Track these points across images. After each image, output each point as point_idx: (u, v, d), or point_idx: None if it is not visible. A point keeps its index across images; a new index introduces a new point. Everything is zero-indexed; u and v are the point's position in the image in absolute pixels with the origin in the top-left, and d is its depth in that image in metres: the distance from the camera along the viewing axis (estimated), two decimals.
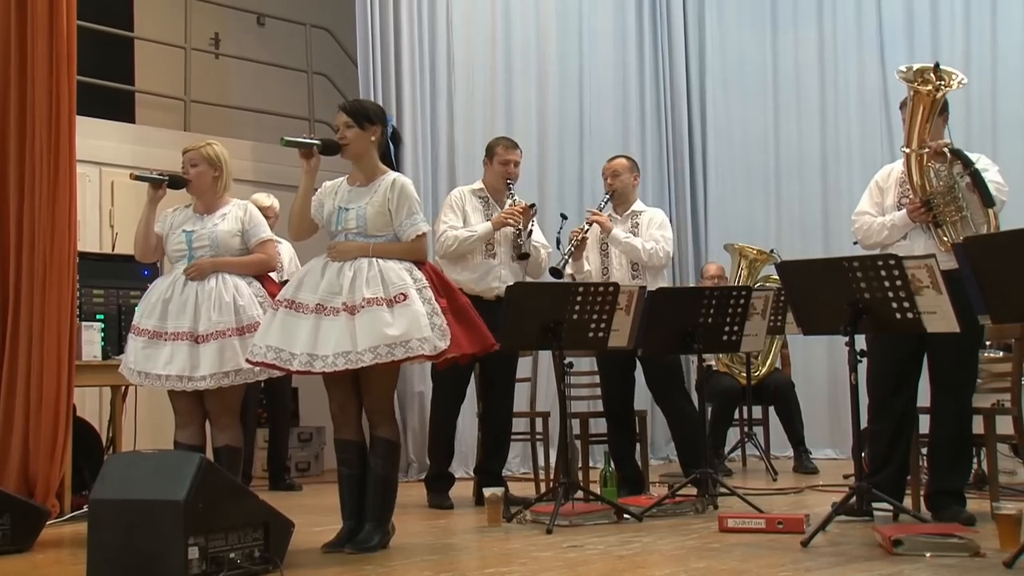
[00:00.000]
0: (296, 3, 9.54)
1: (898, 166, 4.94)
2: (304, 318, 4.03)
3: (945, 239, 4.63)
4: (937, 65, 4.76)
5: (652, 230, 5.90)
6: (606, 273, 5.87)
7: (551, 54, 8.39)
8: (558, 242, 5.96)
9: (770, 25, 9.23)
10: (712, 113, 9.12)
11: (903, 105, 4.91)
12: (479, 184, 5.90)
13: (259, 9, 9.53)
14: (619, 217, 5.95)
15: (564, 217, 6.14)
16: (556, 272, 5.81)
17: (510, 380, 5.79)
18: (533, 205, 5.78)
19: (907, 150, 4.75)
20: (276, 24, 9.55)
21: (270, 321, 4.13)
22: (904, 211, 4.75)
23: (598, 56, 8.66)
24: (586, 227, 5.86)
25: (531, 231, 5.69)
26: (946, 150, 4.67)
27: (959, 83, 4.73)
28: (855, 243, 5.01)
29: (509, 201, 5.75)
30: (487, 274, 5.65)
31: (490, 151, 5.89)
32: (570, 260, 5.81)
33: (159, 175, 4.61)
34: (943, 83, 4.70)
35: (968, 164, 4.67)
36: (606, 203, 5.95)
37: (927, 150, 4.69)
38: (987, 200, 4.63)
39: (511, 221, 5.64)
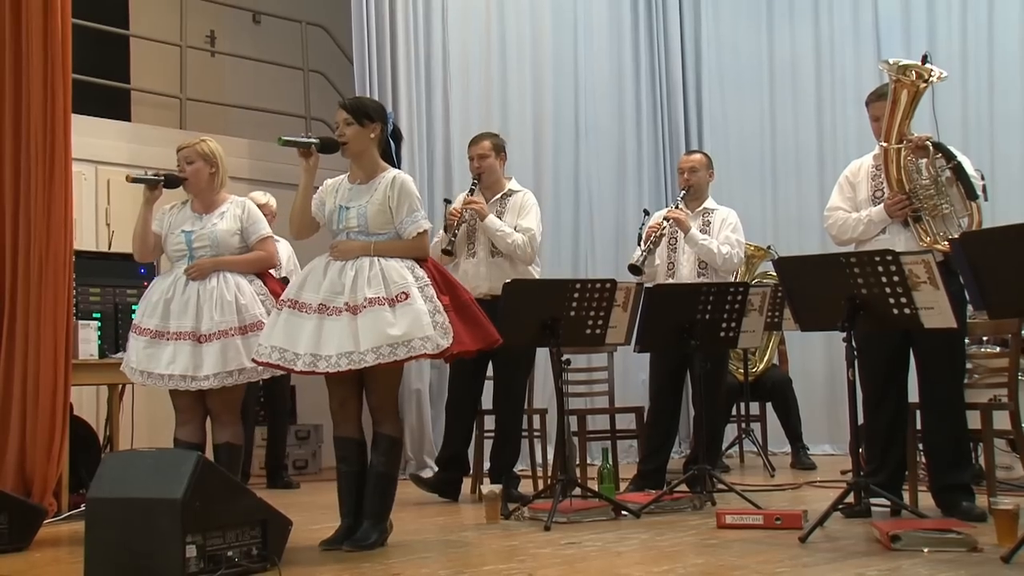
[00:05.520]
0: (292, 0, 9.52)
1: (867, 160, 4.92)
2: (307, 318, 4.03)
3: (925, 236, 4.63)
4: (925, 57, 4.75)
5: (727, 232, 5.86)
6: (672, 268, 5.86)
7: (546, 50, 8.38)
8: (639, 238, 5.96)
9: (766, 19, 9.21)
10: (708, 108, 9.10)
11: (870, 101, 4.88)
12: None
13: (254, 7, 9.51)
14: (690, 213, 5.91)
15: (647, 213, 6.16)
16: (635, 269, 5.79)
17: (515, 378, 5.76)
18: (450, 202, 5.83)
19: (885, 144, 4.73)
20: (272, 22, 9.53)
21: (274, 321, 4.13)
22: (881, 206, 4.73)
23: (593, 51, 8.64)
24: (664, 224, 5.84)
25: (456, 233, 5.72)
26: (928, 143, 4.67)
27: (939, 77, 4.72)
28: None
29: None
30: (465, 274, 5.65)
31: None
32: (647, 256, 5.78)
33: (155, 175, 4.61)
34: (924, 77, 4.68)
35: (950, 157, 4.66)
36: (681, 199, 5.93)
37: (906, 144, 4.68)
38: (970, 193, 4.62)
39: (451, 219, 5.74)
